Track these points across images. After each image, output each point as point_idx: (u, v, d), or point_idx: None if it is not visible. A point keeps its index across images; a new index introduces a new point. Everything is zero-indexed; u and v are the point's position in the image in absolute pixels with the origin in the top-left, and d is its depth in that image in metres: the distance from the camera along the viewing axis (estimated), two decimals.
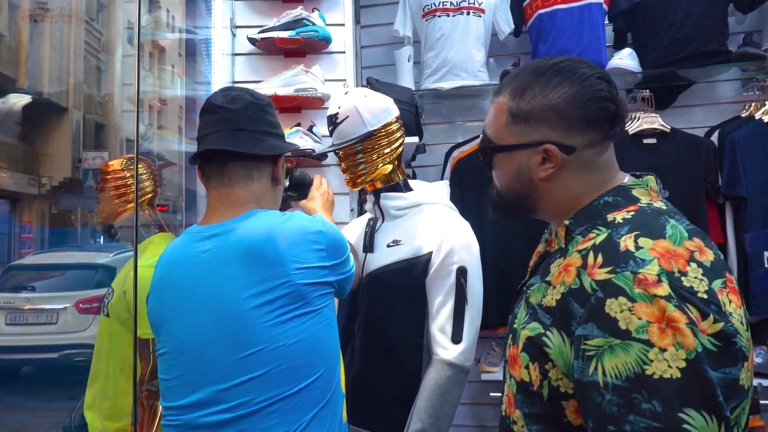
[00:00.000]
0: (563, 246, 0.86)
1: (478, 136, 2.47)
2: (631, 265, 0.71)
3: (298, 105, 1.97)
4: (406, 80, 2.45)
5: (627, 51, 2.31)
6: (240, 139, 1.13)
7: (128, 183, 1.85)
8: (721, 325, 0.67)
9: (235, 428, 0.98)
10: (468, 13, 2.39)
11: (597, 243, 0.77)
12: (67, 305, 5.82)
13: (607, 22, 2.40)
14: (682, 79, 2.39)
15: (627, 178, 0.88)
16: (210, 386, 1.00)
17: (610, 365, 0.69)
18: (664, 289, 0.68)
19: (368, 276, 1.46)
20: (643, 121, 2.30)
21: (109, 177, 1.84)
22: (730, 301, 0.70)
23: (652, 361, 0.67)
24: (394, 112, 1.50)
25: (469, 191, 2.40)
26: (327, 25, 1.99)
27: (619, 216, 0.80)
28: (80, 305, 5.80)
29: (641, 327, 0.68)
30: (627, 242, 0.74)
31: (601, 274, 0.73)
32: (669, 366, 0.66)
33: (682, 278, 0.70)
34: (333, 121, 1.46)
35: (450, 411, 1.32)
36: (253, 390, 0.98)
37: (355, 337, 1.46)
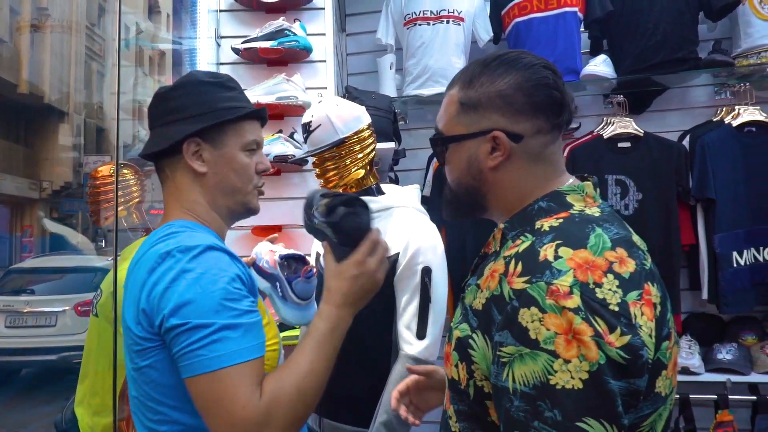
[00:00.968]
0: (497, 249, 0.87)
1: None
2: (547, 275, 0.72)
3: (280, 112, 2.05)
4: (389, 87, 2.53)
5: (601, 57, 2.39)
6: (147, 142, 1.07)
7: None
8: (628, 338, 0.68)
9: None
10: (447, 22, 2.47)
11: (520, 251, 0.78)
12: (66, 308, 5.91)
13: (583, 29, 2.48)
14: (657, 85, 2.47)
15: (570, 181, 0.88)
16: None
17: (520, 373, 0.71)
18: (574, 302, 0.69)
19: None
20: (618, 126, 2.38)
21: (98, 183, 1.91)
22: (642, 314, 0.71)
23: (556, 371, 0.68)
24: (365, 119, 1.57)
25: None
26: (308, 35, 2.07)
27: (546, 224, 0.80)
28: (79, 308, 5.89)
29: (549, 338, 0.69)
30: (547, 251, 0.75)
31: (519, 283, 0.74)
32: (572, 377, 0.67)
33: (596, 290, 0.70)
34: (307, 129, 1.54)
35: None
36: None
37: None
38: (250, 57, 2.07)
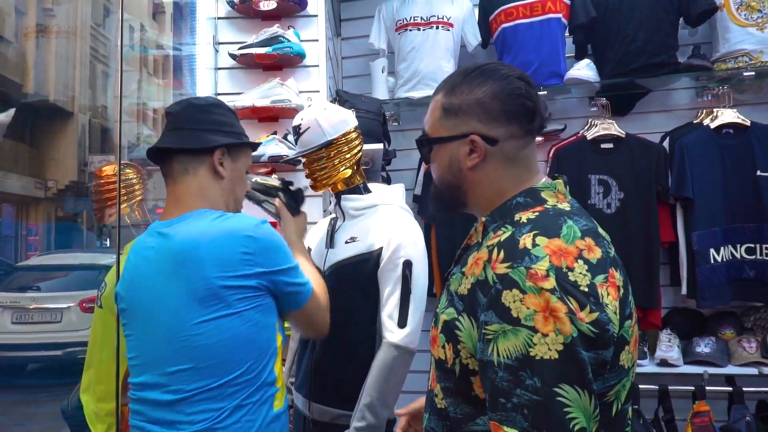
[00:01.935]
0: (480, 240, 0.96)
1: None
2: (526, 261, 0.81)
3: (275, 115, 2.15)
4: (381, 90, 2.63)
5: (585, 62, 2.48)
6: (175, 137, 1.26)
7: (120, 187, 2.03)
8: (596, 314, 0.78)
9: (173, 409, 1.14)
10: (437, 28, 2.56)
11: (501, 240, 0.87)
12: (71, 304, 6.02)
13: (568, 34, 2.57)
14: (639, 88, 2.56)
15: (543, 180, 0.97)
16: (156, 370, 1.17)
17: (503, 347, 0.80)
18: (550, 283, 0.78)
19: (328, 269, 1.63)
20: (600, 127, 2.47)
21: (102, 182, 2.02)
22: (608, 294, 0.81)
23: (535, 344, 0.77)
24: (352, 122, 1.66)
25: None
26: (302, 41, 2.17)
27: (524, 216, 0.90)
28: (84, 305, 6.00)
29: (529, 315, 0.78)
30: (526, 240, 0.84)
31: (501, 269, 0.83)
32: (549, 349, 0.76)
33: (569, 273, 0.80)
34: (297, 131, 1.63)
35: (396, 387, 1.49)
36: (183, 380, 1.13)
37: None
38: (246, 62, 2.17)
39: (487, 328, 0.82)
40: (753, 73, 2.32)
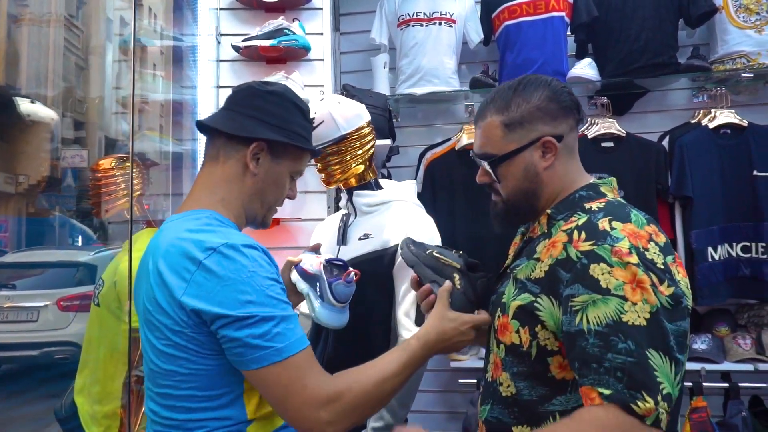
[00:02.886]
0: (546, 231, 1.04)
1: (449, 139, 2.65)
2: (609, 239, 0.91)
3: None
4: (382, 85, 2.60)
5: (587, 61, 2.49)
6: (219, 117, 1.14)
7: (118, 181, 1.97)
8: (673, 289, 0.88)
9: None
10: (440, 24, 2.54)
11: (579, 224, 0.96)
12: (48, 303, 5.84)
13: (569, 33, 2.58)
14: (638, 88, 2.58)
15: (592, 178, 1.09)
16: (149, 383, 1.07)
17: (593, 315, 0.88)
18: (634, 258, 0.88)
19: None
20: (601, 126, 2.48)
21: (99, 175, 1.95)
22: (678, 272, 0.91)
23: (627, 311, 0.86)
24: (366, 117, 1.64)
25: (441, 190, 2.56)
26: (306, 34, 2.13)
27: (594, 205, 1.00)
28: (61, 303, 5.82)
29: (618, 286, 0.87)
30: (604, 223, 0.94)
31: (585, 246, 0.92)
32: (638, 316, 0.86)
33: (646, 252, 0.90)
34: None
35: (413, 387, 1.47)
36: (158, 403, 1.03)
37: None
38: (249, 55, 2.12)
39: (574, 300, 0.90)
40: (751, 74, 2.36)
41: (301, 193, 1.82)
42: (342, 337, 1.55)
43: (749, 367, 2.30)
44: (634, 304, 0.86)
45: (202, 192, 1.12)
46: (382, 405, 1.04)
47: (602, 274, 0.89)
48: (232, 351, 0.95)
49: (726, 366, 2.34)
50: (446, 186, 2.55)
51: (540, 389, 0.97)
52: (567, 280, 0.92)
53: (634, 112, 2.67)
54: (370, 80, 2.67)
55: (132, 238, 1.93)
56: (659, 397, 0.82)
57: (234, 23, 2.18)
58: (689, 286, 0.92)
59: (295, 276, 1.35)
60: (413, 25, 2.55)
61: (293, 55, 2.11)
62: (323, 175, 1.66)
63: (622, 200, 1.04)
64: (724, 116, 2.39)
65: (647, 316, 0.85)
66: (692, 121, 2.49)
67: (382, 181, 1.72)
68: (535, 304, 0.97)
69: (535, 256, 1.02)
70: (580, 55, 2.59)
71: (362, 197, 1.64)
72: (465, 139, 2.52)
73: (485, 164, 1.08)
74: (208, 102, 2.08)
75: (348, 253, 1.60)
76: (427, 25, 2.54)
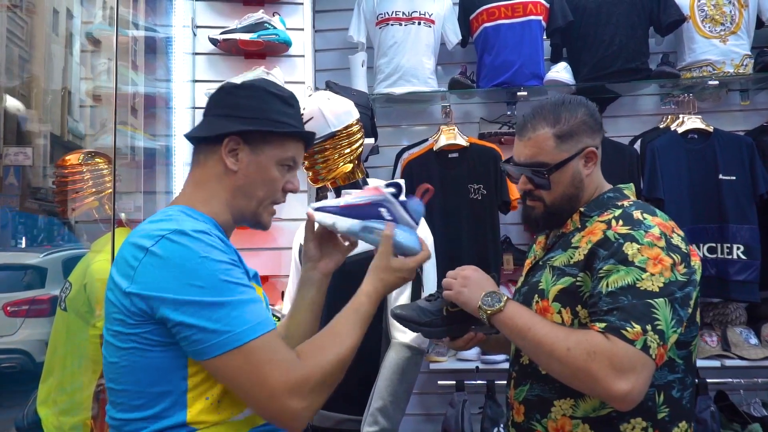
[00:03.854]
0: (579, 226, 1.19)
1: (426, 140, 2.64)
2: (643, 226, 1.09)
3: None
4: (360, 84, 2.56)
5: (562, 65, 2.54)
6: (196, 126, 1.12)
7: (86, 177, 1.85)
8: (687, 269, 1.07)
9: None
10: (419, 24, 2.54)
11: (617, 215, 1.13)
12: None
13: (545, 37, 2.62)
14: (610, 93, 2.65)
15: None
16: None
17: (612, 280, 1.05)
18: (662, 243, 1.07)
19: None
20: None
21: (66, 172, 1.83)
22: (693, 260, 1.10)
23: (643, 279, 1.03)
24: (355, 114, 1.60)
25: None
26: (287, 29, 2.07)
27: (625, 203, 1.18)
28: (8, 308, 5.48)
29: (642, 260, 1.05)
30: (638, 214, 1.12)
31: (623, 230, 1.10)
32: (653, 284, 1.03)
33: (672, 239, 1.09)
34: None
35: (408, 389, 1.44)
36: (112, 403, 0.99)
37: (319, 325, 1.54)
38: (227, 48, 2.05)
39: (601, 270, 1.07)
40: (717, 82, 2.45)
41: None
42: None
43: (716, 363, 2.39)
44: (653, 275, 1.03)
45: (182, 194, 1.09)
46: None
47: (632, 251, 1.05)
48: (188, 340, 0.88)
49: None
50: None
51: None
52: (603, 256, 1.08)
53: (606, 116, 2.72)
54: (346, 79, 2.63)
55: (102, 238, 1.83)
56: (649, 327, 0.99)
57: (211, 15, 2.10)
58: (700, 270, 1.11)
59: (330, 219, 1.13)
60: (392, 24, 2.53)
61: (273, 50, 2.05)
62: (310, 173, 1.61)
63: (642, 202, 1.22)
64: (692, 122, 2.48)
65: (661, 284, 1.03)
66: (661, 126, 2.58)
67: (371, 180, 1.69)
68: (577, 283, 1.11)
69: (573, 246, 1.17)
70: (555, 59, 2.64)
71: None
72: (443, 140, 2.52)
73: (530, 172, 1.21)
74: (183, 96, 2.00)
75: None
76: (406, 25, 2.53)
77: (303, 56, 2.12)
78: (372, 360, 1.48)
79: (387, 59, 2.54)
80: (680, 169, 2.45)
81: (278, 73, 2.00)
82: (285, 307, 1.81)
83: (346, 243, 1.23)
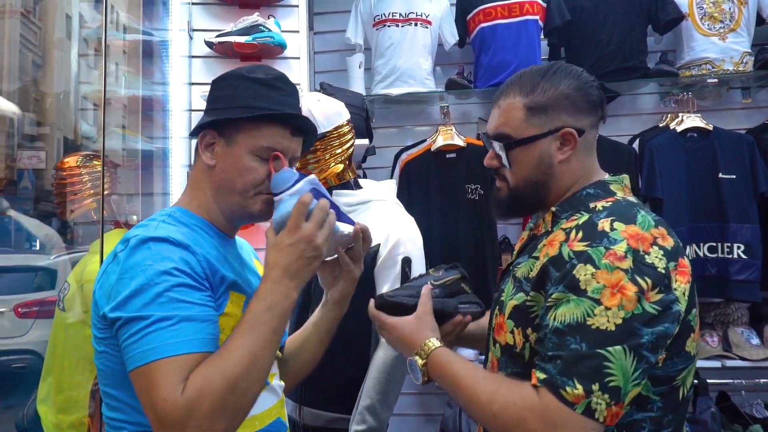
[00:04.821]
0: (549, 229, 1.00)
1: (425, 140, 2.64)
2: (605, 242, 0.87)
3: None
4: (357, 86, 2.57)
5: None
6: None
7: (84, 180, 1.89)
8: (662, 295, 0.84)
9: None
10: (416, 24, 2.54)
11: (579, 223, 0.93)
12: (4, 309, 5.56)
13: (543, 37, 2.62)
14: (609, 92, 2.63)
15: (607, 175, 1.04)
16: None
17: (560, 313, 0.86)
18: (626, 264, 0.84)
19: None
20: None
21: (65, 174, 1.87)
22: (676, 280, 0.87)
23: (596, 315, 0.83)
24: (345, 115, 1.61)
25: (417, 191, 2.56)
26: (282, 31, 2.09)
27: (599, 204, 0.96)
28: (18, 309, 5.57)
29: (596, 289, 0.84)
30: (604, 224, 0.90)
31: (579, 246, 0.89)
32: (608, 321, 0.82)
33: (646, 256, 0.86)
34: None
35: (396, 388, 1.44)
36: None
37: None
38: (223, 51, 2.07)
39: (551, 297, 0.88)
40: (716, 80, 2.43)
41: None
42: None
43: (717, 363, 2.36)
44: (608, 308, 0.82)
45: (182, 195, 1.08)
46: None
47: (585, 275, 0.85)
48: (122, 350, 0.86)
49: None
50: (422, 187, 2.54)
51: None
52: (555, 278, 0.89)
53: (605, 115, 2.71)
54: (344, 80, 2.64)
55: (98, 240, 1.86)
56: (596, 386, 0.80)
57: (207, 18, 2.13)
58: (688, 293, 0.88)
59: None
60: (389, 26, 2.55)
61: (268, 52, 2.07)
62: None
63: (633, 199, 0.99)
64: (691, 120, 2.46)
65: (618, 321, 0.82)
66: (661, 125, 2.56)
67: (362, 181, 1.70)
68: (527, 302, 0.94)
69: (535, 254, 0.98)
70: (552, 59, 2.63)
71: (342, 197, 1.61)
72: (441, 140, 2.52)
73: (497, 146, 1.03)
74: (180, 99, 2.02)
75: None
76: (402, 26, 2.54)
77: (298, 58, 2.14)
78: (361, 360, 1.49)
79: (384, 60, 2.55)
80: (679, 168, 2.43)
81: None
82: None
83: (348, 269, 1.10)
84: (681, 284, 0.87)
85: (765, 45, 2.46)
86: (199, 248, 0.93)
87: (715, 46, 2.45)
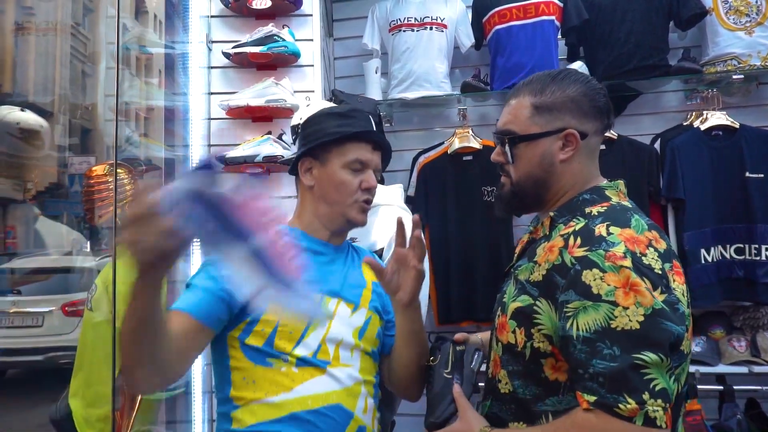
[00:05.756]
0: (547, 233, 1.04)
1: (442, 143, 2.66)
2: (603, 245, 0.91)
3: (269, 114, 2.13)
4: (374, 90, 2.62)
5: (578, 64, 2.50)
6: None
7: (110, 187, 2.00)
8: (666, 295, 0.88)
9: None
10: (431, 28, 2.56)
11: (576, 229, 0.96)
12: (53, 308, 5.88)
13: (560, 37, 2.59)
14: (630, 90, 2.58)
15: (603, 181, 1.08)
16: None
17: (583, 322, 0.88)
18: (628, 262, 0.88)
19: None
20: None
21: (92, 182, 1.98)
22: (674, 280, 0.91)
23: (617, 317, 0.86)
24: None
25: (434, 193, 2.58)
26: (297, 40, 2.15)
27: (594, 209, 1.00)
28: (66, 308, 5.86)
29: (609, 291, 0.87)
30: (600, 229, 0.93)
31: (579, 252, 0.92)
32: (630, 320, 0.85)
33: (642, 258, 0.89)
34: (296, 131, 1.62)
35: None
36: None
37: None
38: (240, 61, 2.15)
39: (567, 306, 0.90)
40: (742, 76, 2.35)
41: (276, 198, 1.84)
42: None
43: (744, 369, 2.29)
44: (626, 308, 0.85)
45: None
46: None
47: (594, 279, 0.88)
48: None
49: (721, 368, 2.33)
50: (439, 189, 2.56)
51: (533, 388, 0.99)
52: (562, 286, 0.92)
53: (627, 114, 2.66)
54: (363, 85, 2.69)
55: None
56: (646, 396, 0.83)
57: (224, 30, 2.21)
58: (686, 293, 0.91)
59: None
60: (404, 30, 2.57)
61: (283, 61, 2.14)
62: None
63: (627, 204, 1.02)
64: (716, 118, 2.39)
65: (641, 318, 0.85)
66: (685, 123, 2.49)
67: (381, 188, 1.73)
68: (534, 308, 0.97)
69: (535, 258, 1.01)
70: (571, 58, 2.60)
71: None
72: (457, 143, 2.53)
73: (496, 139, 1.09)
74: (199, 109, 2.11)
75: None
76: (418, 30, 2.56)
77: (312, 66, 2.19)
78: None
79: (400, 65, 2.58)
80: (703, 167, 2.36)
81: (287, 84, 2.08)
82: None
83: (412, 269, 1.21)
84: (679, 285, 0.91)
85: None
86: None
87: (741, 40, 2.37)
